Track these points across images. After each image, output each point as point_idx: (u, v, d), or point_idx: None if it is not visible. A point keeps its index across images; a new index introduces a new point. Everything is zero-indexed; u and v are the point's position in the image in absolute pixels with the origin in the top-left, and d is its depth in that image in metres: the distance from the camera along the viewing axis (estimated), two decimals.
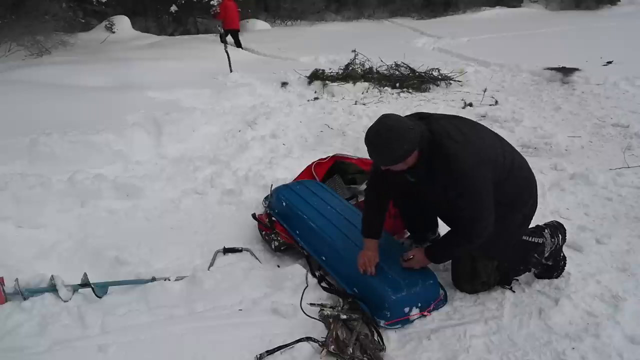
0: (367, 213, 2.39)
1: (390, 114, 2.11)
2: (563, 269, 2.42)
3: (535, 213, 2.32)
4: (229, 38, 9.89)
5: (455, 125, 2.13)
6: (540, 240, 2.34)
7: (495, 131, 2.43)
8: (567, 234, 2.49)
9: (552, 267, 2.40)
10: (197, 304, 2.25)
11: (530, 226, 2.45)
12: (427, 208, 2.50)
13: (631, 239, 2.74)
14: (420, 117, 2.15)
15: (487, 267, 2.27)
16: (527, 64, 7.03)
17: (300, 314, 2.15)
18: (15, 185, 3.06)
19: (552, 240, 2.36)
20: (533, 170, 2.33)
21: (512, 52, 8.09)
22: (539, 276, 2.42)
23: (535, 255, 2.33)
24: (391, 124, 2.01)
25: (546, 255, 2.35)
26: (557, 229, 2.43)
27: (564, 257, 2.45)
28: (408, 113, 2.21)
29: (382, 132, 2.01)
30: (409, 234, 2.74)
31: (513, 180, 2.16)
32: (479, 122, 2.42)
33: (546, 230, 2.39)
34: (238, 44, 10.69)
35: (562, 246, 2.43)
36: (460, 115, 2.36)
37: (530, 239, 2.34)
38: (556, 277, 2.40)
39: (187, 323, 2.11)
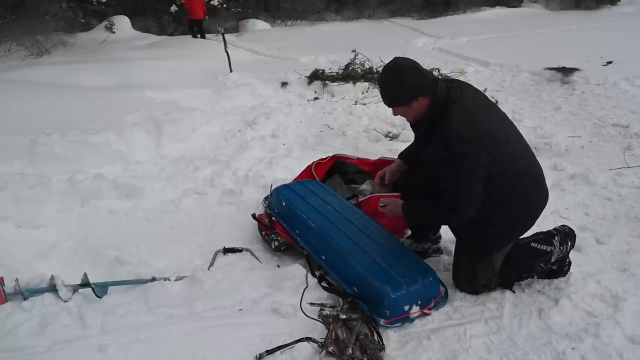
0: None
1: (406, 57, 2.18)
2: (566, 273, 2.40)
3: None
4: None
5: (473, 99, 2.13)
6: (549, 249, 2.28)
7: None
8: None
9: (556, 271, 2.38)
10: (197, 304, 2.25)
11: (541, 230, 2.43)
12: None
13: (631, 239, 2.74)
14: (448, 80, 2.18)
15: (486, 270, 2.26)
16: (527, 64, 7.02)
17: (300, 314, 2.15)
18: (15, 185, 3.06)
19: (561, 248, 2.32)
20: None
21: (512, 52, 8.08)
22: (540, 277, 2.41)
23: (542, 264, 2.30)
24: (401, 63, 2.11)
25: (552, 261, 2.32)
26: (567, 236, 2.37)
27: (569, 263, 2.41)
28: None
29: (389, 68, 2.11)
30: (409, 233, 2.74)
31: (514, 182, 2.11)
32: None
33: (556, 238, 2.33)
34: (202, 35, 11.41)
35: (569, 252, 2.39)
36: None
37: (539, 247, 2.29)
38: (556, 278, 2.40)
39: (187, 323, 2.11)
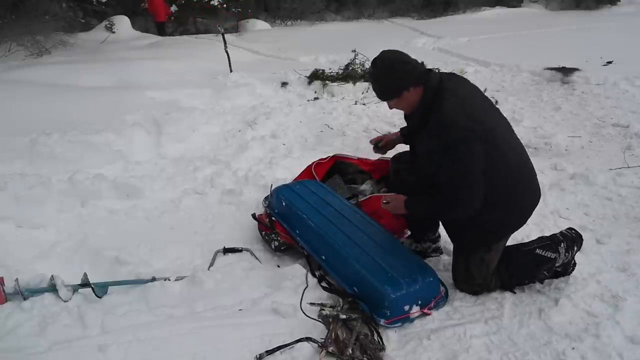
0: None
1: (393, 49, 2.17)
2: (570, 273, 2.39)
3: (535, 213, 2.30)
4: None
5: (468, 91, 2.11)
6: (554, 256, 2.25)
7: None
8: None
9: (559, 272, 2.37)
10: (197, 304, 2.25)
11: (541, 230, 2.41)
12: None
13: (631, 239, 2.74)
14: (443, 73, 2.16)
15: (480, 269, 2.25)
16: (527, 64, 7.01)
17: (300, 314, 2.16)
18: (15, 185, 3.06)
19: (567, 254, 2.28)
20: None
21: (512, 52, 8.07)
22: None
23: (545, 272, 2.29)
24: (388, 56, 2.11)
25: (557, 265, 2.30)
26: (574, 241, 2.33)
27: (574, 264, 2.40)
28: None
29: (378, 63, 2.12)
30: (409, 233, 2.74)
31: (504, 178, 2.08)
32: None
33: (562, 245, 2.28)
34: (161, 34, 12.16)
35: (574, 255, 2.36)
36: None
37: (544, 253, 2.24)
38: (557, 278, 2.40)
39: (187, 323, 2.11)
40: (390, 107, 2.22)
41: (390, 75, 2.08)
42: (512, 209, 2.19)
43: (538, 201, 2.28)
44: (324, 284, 2.37)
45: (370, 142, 2.69)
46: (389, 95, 2.14)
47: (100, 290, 2.31)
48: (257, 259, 2.71)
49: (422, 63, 2.13)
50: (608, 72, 6.28)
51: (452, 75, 2.18)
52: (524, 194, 2.21)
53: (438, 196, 2.12)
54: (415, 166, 2.29)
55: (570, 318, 2.12)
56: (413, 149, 2.29)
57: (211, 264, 2.64)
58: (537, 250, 2.27)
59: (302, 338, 2.00)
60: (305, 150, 4.32)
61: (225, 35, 7.56)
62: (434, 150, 2.04)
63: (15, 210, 2.92)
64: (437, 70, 2.23)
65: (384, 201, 2.33)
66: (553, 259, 2.25)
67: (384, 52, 2.15)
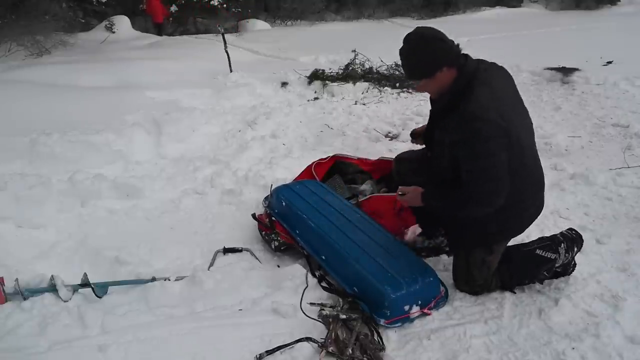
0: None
1: (428, 26, 2.05)
2: (571, 273, 2.39)
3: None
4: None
5: (502, 86, 2.00)
6: (554, 257, 2.24)
7: None
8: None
9: (559, 273, 2.37)
10: (197, 304, 2.25)
11: (541, 230, 2.41)
12: None
13: (631, 239, 2.74)
14: (480, 60, 2.06)
15: (481, 271, 2.24)
16: (527, 64, 7.01)
17: (300, 314, 2.16)
18: (15, 185, 3.06)
19: (567, 255, 2.28)
20: None
21: (512, 52, 8.06)
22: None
23: (545, 272, 2.28)
24: (423, 32, 1.98)
25: (557, 266, 2.30)
26: (574, 242, 2.32)
27: (575, 265, 2.39)
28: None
29: (412, 38, 1.98)
30: (409, 233, 2.74)
31: (516, 179, 2.01)
32: None
33: (562, 245, 2.27)
34: (159, 34, 12.42)
35: (575, 256, 2.36)
36: None
37: (544, 254, 2.23)
38: (557, 278, 2.40)
39: (187, 323, 2.11)
40: (418, 90, 2.11)
41: (425, 51, 1.95)
42: (515, 214, 2.16)
43: (540, 211, 2.26)
44: (324, 284, 2.37)
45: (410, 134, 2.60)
46: (421, 74, 2.00)
47: (100, 290, 2.31)
48: (257, 259, 2.71)
49: (458, 45, 2.02)
50: (608, 72, 6.27)
51: (491, 64, 2.06)
52: (530, 202, 2.19)
53: (456, 191, 2.03)
54: (429, 161, 2.21)
55: (570, 318, 2.12)
56: (430, 139, 2.18)
57: (211, 264, 2.64)
58: (538, 251, 2.27)
59: (302, 338, 2.00)
60: (305, 150, 4.32)
61: (225, 35, 7.56)
62: (455, 142, 1.94)
63: (15, 210, 2.92)
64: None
65: (400, 193, 2.27)
66: (553, 259, 2.25)
67: (418, 27, 2.02)
